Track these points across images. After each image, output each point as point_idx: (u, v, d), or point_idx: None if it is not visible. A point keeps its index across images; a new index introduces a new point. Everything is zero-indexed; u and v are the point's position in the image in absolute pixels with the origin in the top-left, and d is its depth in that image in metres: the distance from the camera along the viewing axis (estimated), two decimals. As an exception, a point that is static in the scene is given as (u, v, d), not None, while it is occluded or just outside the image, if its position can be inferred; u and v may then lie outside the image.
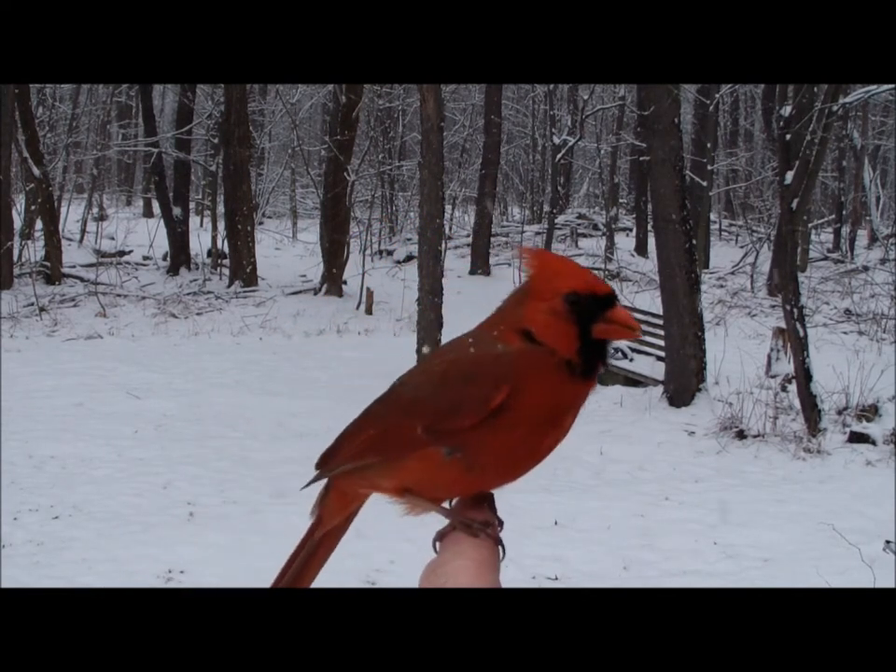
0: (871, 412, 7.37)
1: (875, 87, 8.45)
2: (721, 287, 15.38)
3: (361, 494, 0.75)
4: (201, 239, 15.61)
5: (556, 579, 4.46)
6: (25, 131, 13.08)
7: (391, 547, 4.68)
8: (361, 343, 11.16)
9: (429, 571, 0.59)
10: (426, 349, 8.84)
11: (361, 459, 0.72)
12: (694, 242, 8.79)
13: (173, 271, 14.89)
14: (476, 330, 0.71)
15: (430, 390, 0.70)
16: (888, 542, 4.57)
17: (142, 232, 16.54)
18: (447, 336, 9.21)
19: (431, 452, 0.68)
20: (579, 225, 19.95)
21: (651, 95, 8.45)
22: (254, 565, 3.91)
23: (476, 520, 0.66)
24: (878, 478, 6.24)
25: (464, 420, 0.66)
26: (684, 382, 8.17)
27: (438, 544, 0.65)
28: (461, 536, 0.64)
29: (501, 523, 0.70)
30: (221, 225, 15.13)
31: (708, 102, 16.31)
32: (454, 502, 0.71)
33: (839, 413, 7.52)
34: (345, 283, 14.22)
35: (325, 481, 0.76)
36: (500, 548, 0.65)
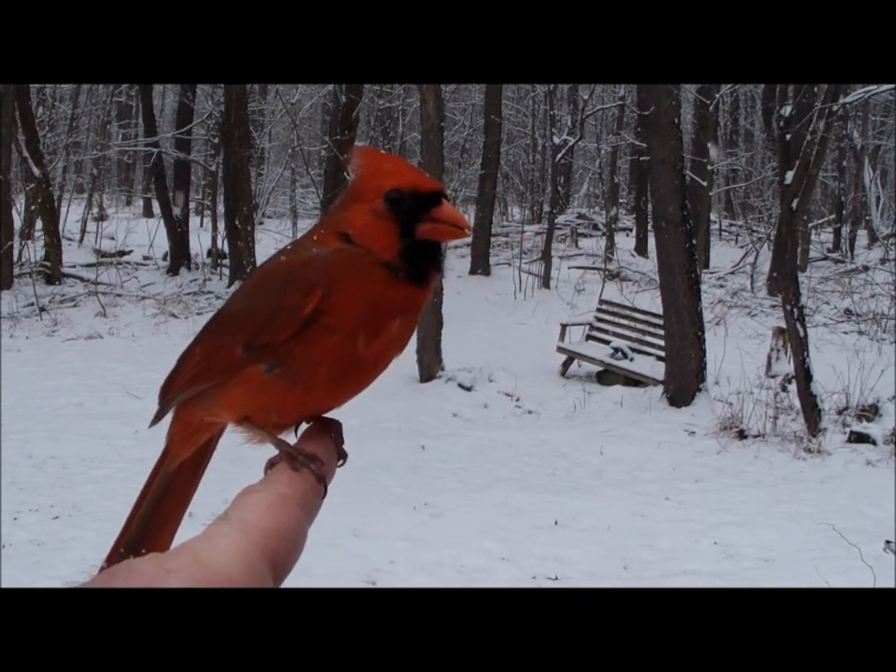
0: (871, 412, 7.38)
1: (874, 87, 8.46)
2: (721, 287, 15.37)
3: (207, 423, 0.70)
4: (201, 239, 15.62)
5: (556, 579, 4.46)
6: (25, 131, 13.07)
7: (391, 547, 4.68)
8: (361, 343, 11.17)
9: (232, 500, 0.54)
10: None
11: (193, 386, 0.68)
12: (694, 242, 8.80)
13: (173, 271, 14.89)
14: (299, 238, 0.68)
15: (244, 304, 0.67)
16: (888, 542, 4.57)
17: (142, 232, 16.54)
18: (448, 336, 9.22)
19: (251, 371, 0.64)
20: (579, 225, 19.95)
21: (651, 95, 8.46)
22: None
23: (303, 451, 0.60)
24: (878, 478, 6.24)
25: (279, 332, 0.62)
26: (684, 382, 8.18)
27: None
28: (284, 467, 0.59)
29: (344, 456, 0.65)
30: (221, 225, 15.13)
31: (708, 102, 16.31)
32: (300, 431, 0.67)
33: (839, 413, 7.53)
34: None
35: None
36: (323, 486, 0.59)
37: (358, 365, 0.64)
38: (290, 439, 0.66)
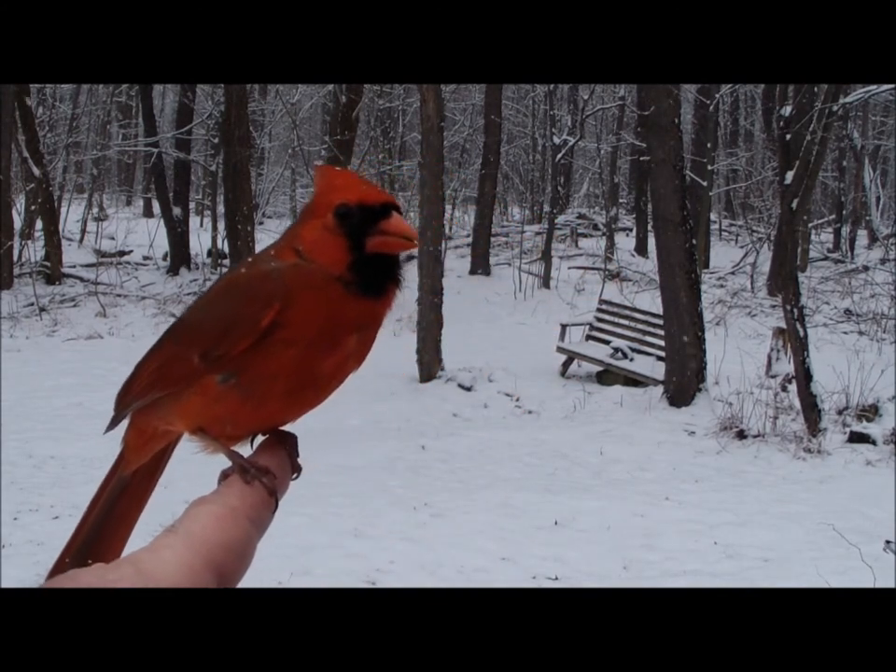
0: (871, 412, 7.38)
1: (875, 87, 8.46)
2: (721, 287, 15.38)
3: (162, 432, 0.69)
4: (201, 239, 15.62)
5: (556, 579, 4.46)
6: (25, 131, 13.07)
7: (391, 547, 4.68)
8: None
9: (183, 511, 0.54)
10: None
11: (150, 393, 0.68)
12: (694, 242, 8.80)
13: (173, 271, 14.88)
14: (260, 252, 0.68)
15: (203, 314, 0.67)
16: (888, 542, 4.57)
17: (142, 232, 16.54)
18: (448, 336, 9.22)
19: (207, 381, 0.64)
20: (579, 225, 19.95)
21: (651, 95, 8.46)
22: (254, 564, 3.91)
23: (256, 464, 0.60)
24: (878, 478, 6.25)
25: (236, 343, 0.62)
26: (684, 382, 8.18)
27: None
28: (236, 479, 0.58)
29: (298, 469, 0.65)
30: (221, 225, 15.13)
31: (708, 102, 16.31)
32: (255, 443, 0.66)
33: (839, 413, 7.53)
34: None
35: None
36: (275, 500, 0.59)
37: (314, 379, 0.64)
38: (246, 451, 0.66)
